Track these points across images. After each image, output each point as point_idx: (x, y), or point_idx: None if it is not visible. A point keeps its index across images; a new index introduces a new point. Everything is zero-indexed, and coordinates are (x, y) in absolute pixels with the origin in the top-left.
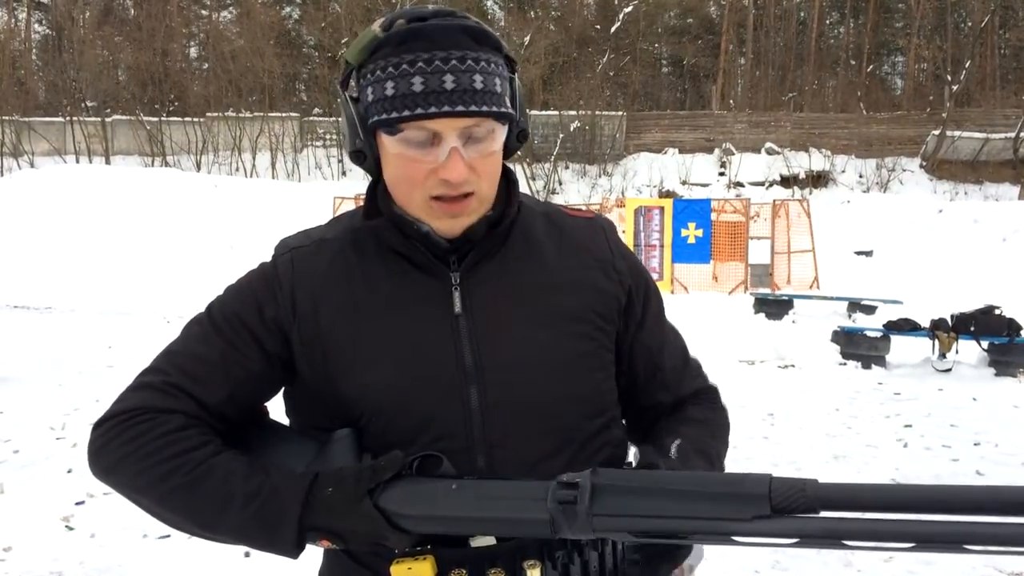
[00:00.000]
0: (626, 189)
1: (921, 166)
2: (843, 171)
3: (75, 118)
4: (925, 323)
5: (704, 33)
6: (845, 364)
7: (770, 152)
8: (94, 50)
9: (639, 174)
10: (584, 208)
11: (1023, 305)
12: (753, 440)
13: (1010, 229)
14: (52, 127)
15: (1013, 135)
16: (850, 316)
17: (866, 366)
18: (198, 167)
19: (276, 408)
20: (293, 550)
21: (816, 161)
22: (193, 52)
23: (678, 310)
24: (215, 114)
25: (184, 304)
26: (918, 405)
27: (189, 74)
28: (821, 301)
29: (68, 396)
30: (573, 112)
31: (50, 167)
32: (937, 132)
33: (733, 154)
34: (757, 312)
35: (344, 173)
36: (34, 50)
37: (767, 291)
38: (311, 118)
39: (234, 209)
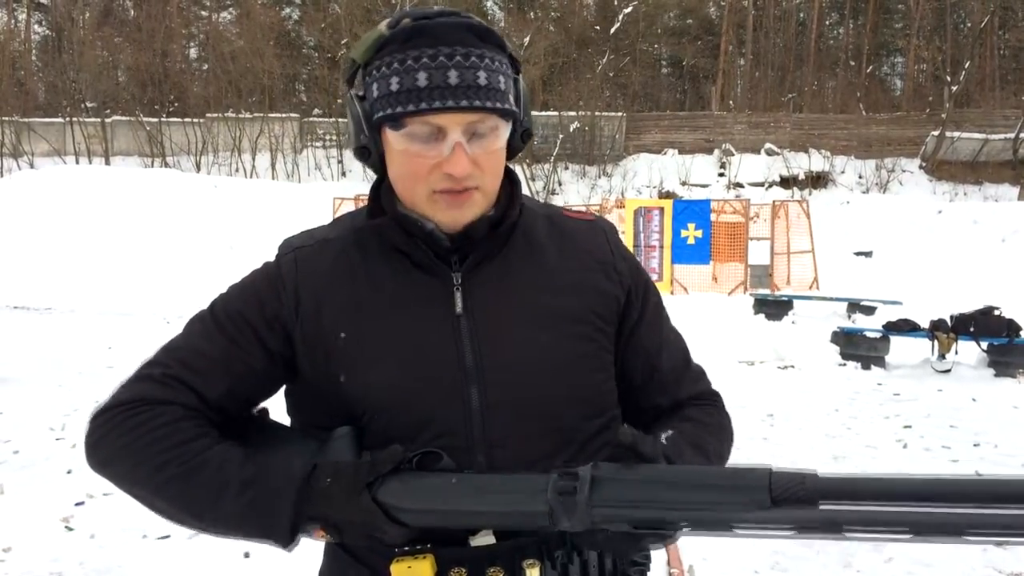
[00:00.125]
0: (626, 190)
1: (921, 167)
2: (842, 172)
3: (75, 119)
4: (924, 324)
5: (704, 34)
6: (845, 365)
7: (770, 153)
8: (94, 51)
9: (639, 175)
10: (585, 210)
11: (1022, 306)
12: (753, 440)
13: (1009, 230)
14: (52, 128)
15: (1012, 136)
16: (850, 317)
17: (865, 367)
18: (198, 168)
19: (277, 408)
20: (287, 540)
21: (816, 162)
22: (193, 53)
23: (678, 311)
24: (215, 115)
25: (184, 305)
26: (917, 406)
27: (189, 75)
28: (821, 302)
29: (68, 397)
30: (573, 113)
31: (50, 168)
32: (936, 133)
33: (733, 155)
34: (757, 313)
35: (344, 174)
36: (34, 51)
37: (767, 292)
38: (311, 119)
39: (234, 210)
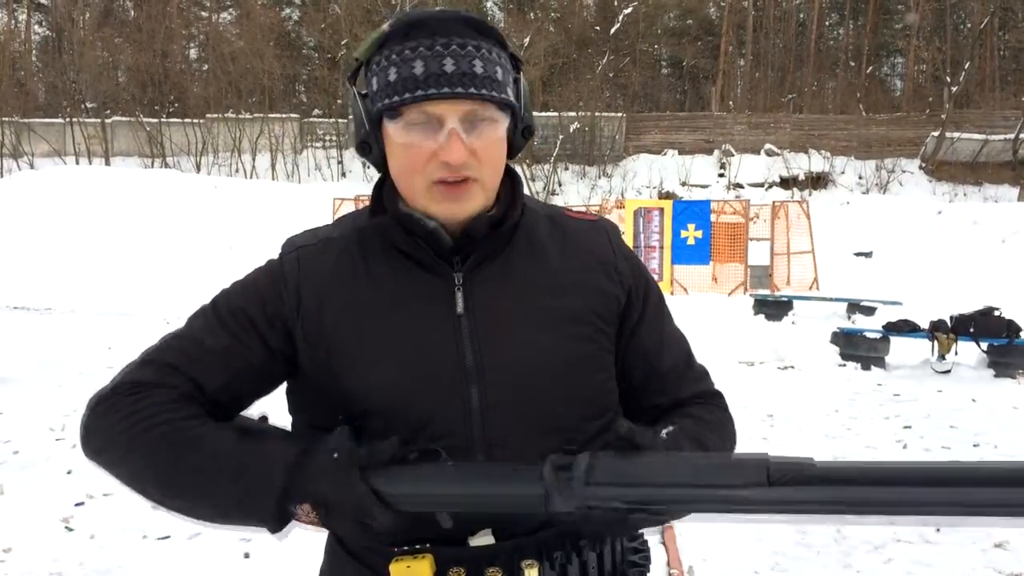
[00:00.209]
0: (626, 190)
1: (920, 167)
2: (842, 172)
3: (75, 119)
4: (924, 324)
5: (703, 34)
6: (844, 365)
7: (769, 153)
8: (94, 51)
9: (639, 175)
10: (586, 210)
11: (1022, 306)
12: (752, 441)
13: (1009, 230)
14: (52, 128)
15: (1012, 136)
16: (849, 317)
17: (865, 367)
18: (198, 168)
19: (277, 409)
20: (274, 519)
21: (815, 162)
22: (193, 53)
23: (678, 311)
24: (215, 115)
25: (184, 305)
26: (917, 406)
27: (189, 75)
28: (820, 302)
29: (68, 397)
30: (573, 113)
31: (50, 168)
32: (936, 133)
33: (732, 155)
34: (757, 313)
35: (344, 174)
36: (34, 51)
37: (767, 292)
38: (311, 119)
39: (234, 210)
